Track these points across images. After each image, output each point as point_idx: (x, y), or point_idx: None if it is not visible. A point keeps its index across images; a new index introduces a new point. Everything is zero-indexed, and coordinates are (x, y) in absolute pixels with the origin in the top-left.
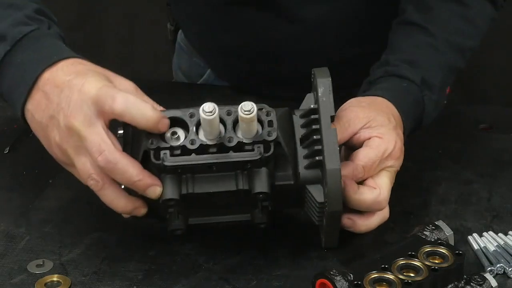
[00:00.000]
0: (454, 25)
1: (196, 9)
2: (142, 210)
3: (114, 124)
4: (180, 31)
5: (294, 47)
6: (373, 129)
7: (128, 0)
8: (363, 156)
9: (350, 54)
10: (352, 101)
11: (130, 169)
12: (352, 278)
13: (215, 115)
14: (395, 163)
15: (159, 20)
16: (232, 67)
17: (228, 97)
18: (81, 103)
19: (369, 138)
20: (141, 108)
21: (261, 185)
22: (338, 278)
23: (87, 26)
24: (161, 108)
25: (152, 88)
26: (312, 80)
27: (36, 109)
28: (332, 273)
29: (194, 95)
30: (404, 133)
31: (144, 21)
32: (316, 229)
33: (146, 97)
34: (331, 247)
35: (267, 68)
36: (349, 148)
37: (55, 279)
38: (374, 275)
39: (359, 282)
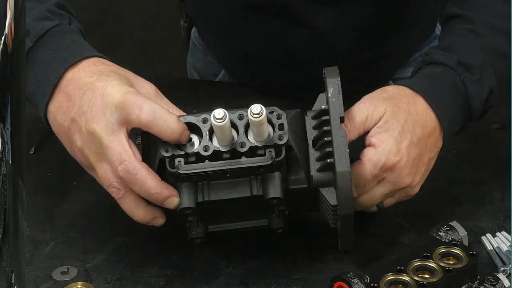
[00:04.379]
0: (492, 9)
1: (213, 13)
2: (160, 220)
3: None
4: (194, 28)
5: (308, 52)
6: (376, 132)
7: None
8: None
9: (364, 58)
10: (377, 91)
11: (149, 180)
12: (368, 281)
13: (225, 121)
14: (388, 175)
15: (173, 16)
16: (246, 70)
17: (245, 96)
18: (104, 109)
19: (368, 145)
20: (167, 120)
21: (274, 190)
22: (355, 281)
23: (103, 25)
24: (180, 111)
25: (170, 86)
26: (323, 79)
27: (58, 111)
28: (349, 276)
29: (211, 93)
30: (440, 121)
31: (158, 19)
32: (332, 231)
33: (166, 100)
34: (348, 249)
35: (282, 73)
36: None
37: (79, 286)
38: (390, 277)
39: (376, 285)
